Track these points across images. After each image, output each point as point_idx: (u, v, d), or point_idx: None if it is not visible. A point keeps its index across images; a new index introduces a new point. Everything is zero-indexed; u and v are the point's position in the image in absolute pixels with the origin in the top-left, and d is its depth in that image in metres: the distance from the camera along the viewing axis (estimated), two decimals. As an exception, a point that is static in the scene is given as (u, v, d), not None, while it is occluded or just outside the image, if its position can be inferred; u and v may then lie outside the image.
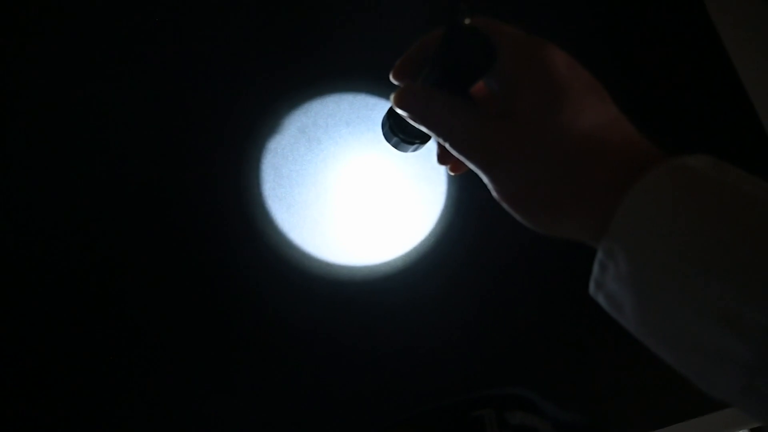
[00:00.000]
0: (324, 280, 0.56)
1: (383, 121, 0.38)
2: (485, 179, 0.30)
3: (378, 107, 0.59)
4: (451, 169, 0.37)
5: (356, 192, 0.58)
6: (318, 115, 0.59)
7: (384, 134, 0.38)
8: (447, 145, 0.30)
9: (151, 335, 0.52)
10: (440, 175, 0.59)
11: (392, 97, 0.32)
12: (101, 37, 0.56)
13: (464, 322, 0.56)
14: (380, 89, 0.59)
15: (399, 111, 0.31)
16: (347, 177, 0.59)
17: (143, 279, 0.53)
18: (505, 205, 0.30)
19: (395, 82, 0.34)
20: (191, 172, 0.55)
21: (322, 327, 0.54)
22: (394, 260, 0.57)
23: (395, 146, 0.38)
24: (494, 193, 0.30)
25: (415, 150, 0.38)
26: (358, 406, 0.53)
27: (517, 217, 0.29)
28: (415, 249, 0.58)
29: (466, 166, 0.31)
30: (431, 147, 0.38)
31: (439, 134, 0.30)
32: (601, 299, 0.28)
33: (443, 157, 0.36)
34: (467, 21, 0.29)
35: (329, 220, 0.57)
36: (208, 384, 0.52)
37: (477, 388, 0.55)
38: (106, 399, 0.51)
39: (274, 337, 0.53)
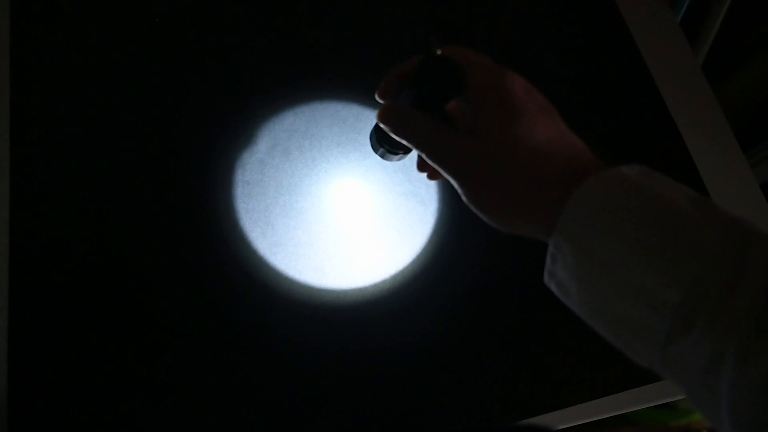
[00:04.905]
0: (307, 305, 0.53)
1: (371, 134, 0.43)
2: (455, 185, 0.35)
3: (366, 119, 0.59)
4: (429, 176, 0.42)
5: (342, 210, 0.56)
6: (298, 129, 0.57)
7: (372, 146, 0.44)
8: (423, 156, 0.35)
9: (126, 362, 0.50)
10: (431, 192, 0.57)
11: (377, 113, 0.37)
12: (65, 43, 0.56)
13: (458, 341, 0.54)
14: (365, 102, 0.59)
15: (382, 126, 0.37)
16: (333, 195, 0.57)
17: (107, 300, 0.51)
18: (471, 208, 0.35)
19: (380, 101, 0.39)
20: (171, 186, 0.54)
21: (306, 353, 0.52)
22: (382, 282, 0.54)
23: (382, 156, 0.43)
24: (463, 197, 0.35)
25: (399, 159, 0.43)
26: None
27: (482, 217, 0.35)
28: (404, 270, 0.55)
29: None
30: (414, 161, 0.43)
31: (416, 146, 0.36)
32: (553, 287, 0.34)
33: (422, 166, 0.42)
34: (439, 51, 0.35)
35: (311, 240, 0.55)
36: (185, 411, 0.50)
37: (475, 413, 0.52)
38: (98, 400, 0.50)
39: (252, 362, 0.51)
